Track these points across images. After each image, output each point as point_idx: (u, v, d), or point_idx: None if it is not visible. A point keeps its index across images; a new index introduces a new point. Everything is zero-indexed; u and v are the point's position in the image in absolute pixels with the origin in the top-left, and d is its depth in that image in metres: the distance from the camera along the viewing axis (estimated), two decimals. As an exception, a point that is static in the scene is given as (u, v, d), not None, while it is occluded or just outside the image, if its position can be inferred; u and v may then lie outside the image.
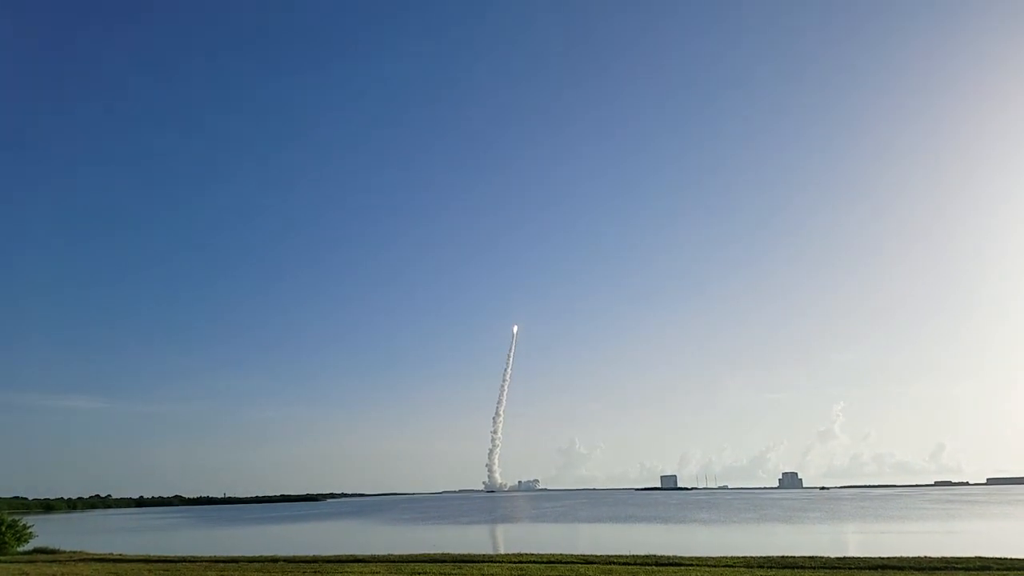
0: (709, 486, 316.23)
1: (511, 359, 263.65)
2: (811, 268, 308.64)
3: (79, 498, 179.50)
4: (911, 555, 22.22)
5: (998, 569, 18.56)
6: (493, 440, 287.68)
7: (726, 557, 22.73)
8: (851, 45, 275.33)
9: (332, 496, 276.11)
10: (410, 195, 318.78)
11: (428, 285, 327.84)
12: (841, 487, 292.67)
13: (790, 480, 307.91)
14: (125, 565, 25.68)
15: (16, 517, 34.42)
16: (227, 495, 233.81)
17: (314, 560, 25.18)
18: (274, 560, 25.64)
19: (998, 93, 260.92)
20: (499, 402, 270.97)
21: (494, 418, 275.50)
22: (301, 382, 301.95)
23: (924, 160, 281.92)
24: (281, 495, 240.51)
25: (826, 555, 22.87)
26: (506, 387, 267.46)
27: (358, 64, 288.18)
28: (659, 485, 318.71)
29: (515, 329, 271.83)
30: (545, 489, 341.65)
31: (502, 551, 28.13)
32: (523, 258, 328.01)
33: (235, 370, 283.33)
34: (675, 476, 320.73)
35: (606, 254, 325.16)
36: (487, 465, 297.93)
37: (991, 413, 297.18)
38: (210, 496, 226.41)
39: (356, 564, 23.51)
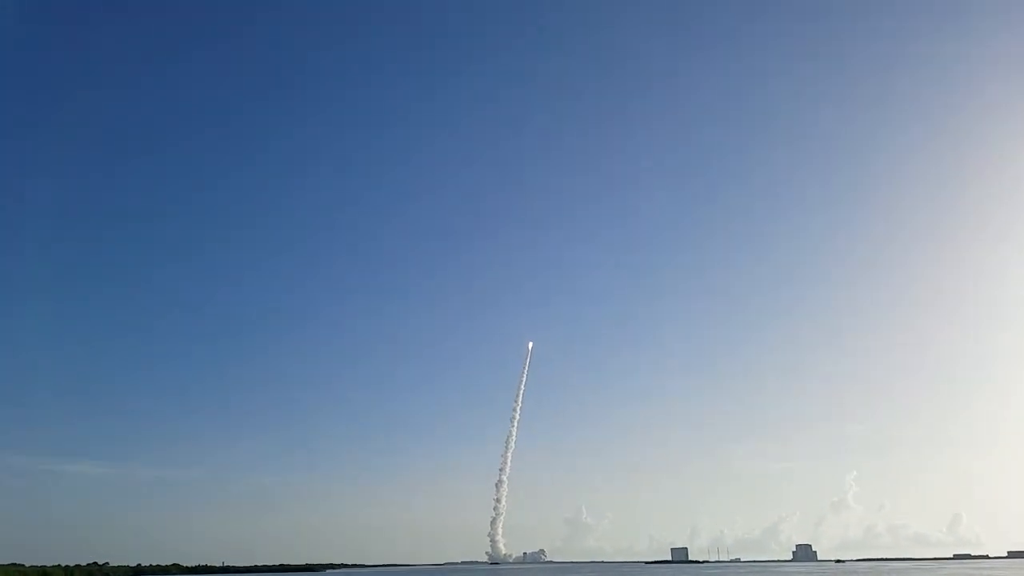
0: (721, 559, 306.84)
1: (524, 377, 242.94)
2: (823, 337, 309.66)
3: (76, 565, 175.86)
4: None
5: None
6: (496, 508, 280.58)
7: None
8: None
9: (332, 567, 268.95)
10: (415, 264, 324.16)
11: (429, 353, 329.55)
12: (857, 560, 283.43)
13: (804, 552, 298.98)
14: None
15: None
16: (226, 564, 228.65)
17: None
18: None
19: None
20: (506, 449, 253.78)
21: (497, 484, 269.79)
22: (302, 448, 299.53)
23: (938, 231, 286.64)
24: (280, 564, 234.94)
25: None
26: (517, 415, 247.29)
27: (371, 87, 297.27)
28: (669, 558, 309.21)
29: (530, 346, 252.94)
30: (551, 561, 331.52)
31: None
32: (527, 336, 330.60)
33: (236, 435, 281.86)
34: (686, 548, 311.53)
35: (618, 319, 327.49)
36: (490, 535, 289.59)
37: (1010, 484, 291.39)
38: (209, 565, 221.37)
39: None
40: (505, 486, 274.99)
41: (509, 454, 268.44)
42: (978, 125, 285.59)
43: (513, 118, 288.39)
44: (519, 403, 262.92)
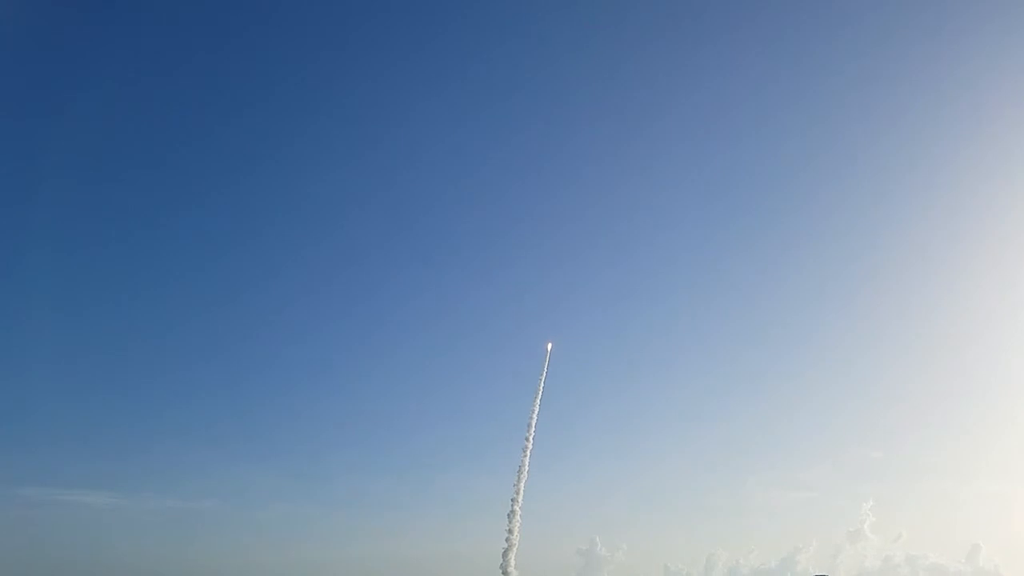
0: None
1: (543, 381, 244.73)
2: (838, 364, 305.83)
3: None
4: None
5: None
6: (508, 539, 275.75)
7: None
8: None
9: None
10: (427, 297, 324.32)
11: (438, 384, 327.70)
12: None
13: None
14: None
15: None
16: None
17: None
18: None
19: None
20: (518, 479, 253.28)
21: (509, 515, 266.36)
22: (315, 481, 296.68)
23: (958, 263, 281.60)
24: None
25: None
26: (530, 444, 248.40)
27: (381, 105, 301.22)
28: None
29: (549, 347, 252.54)
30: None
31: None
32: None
33: (249, 467, 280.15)
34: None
35: (629, 351, 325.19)
36: (501, 566, 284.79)
37: None
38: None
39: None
40: (518, 517, 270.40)
41: (522, 484, 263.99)
42: None
43: (530, 114, 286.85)
44: (531, 432, 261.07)
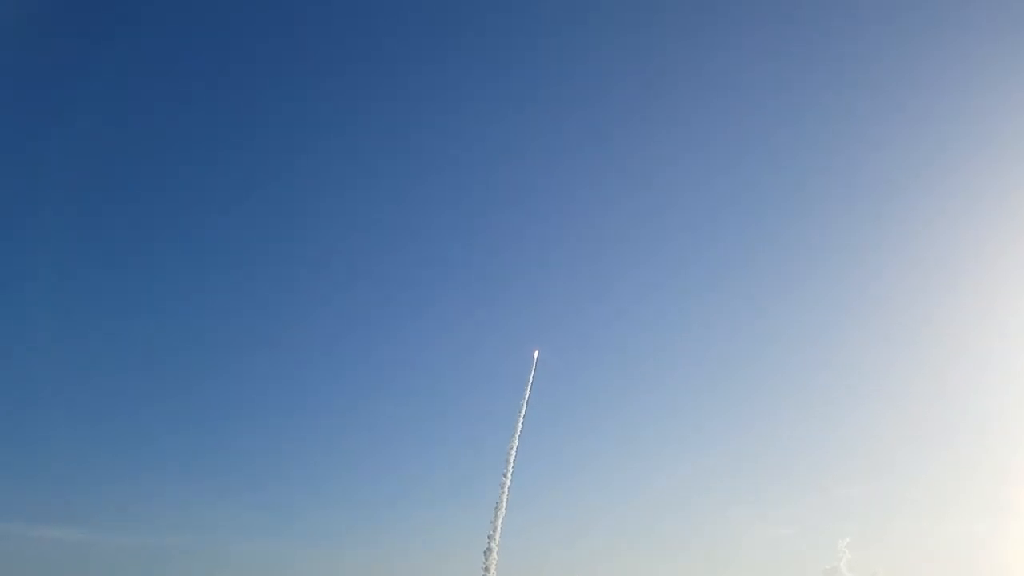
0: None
1: (528, 392, 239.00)
2: (824, 397, 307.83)
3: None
4: None
5: None
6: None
7: None
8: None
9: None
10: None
11: (416, 419, 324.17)
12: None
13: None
14: None
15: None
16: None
17: None
18: None
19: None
20: (496, 515, 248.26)
21: (486, 552, 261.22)
22: (291, 517, 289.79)
23: (943, 297, 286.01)
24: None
25: None
26: (508, 479, 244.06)
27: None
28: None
29: (536, 354, 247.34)
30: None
31: None
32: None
33: (223, 501, 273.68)
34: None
35: (612, 378, 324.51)
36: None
37: (1012, 549, 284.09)
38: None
39: None
40: (495, 555, 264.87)
41: (499, 521, 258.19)
42: None
43: (522, 118, 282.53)
44: (510, 468, 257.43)
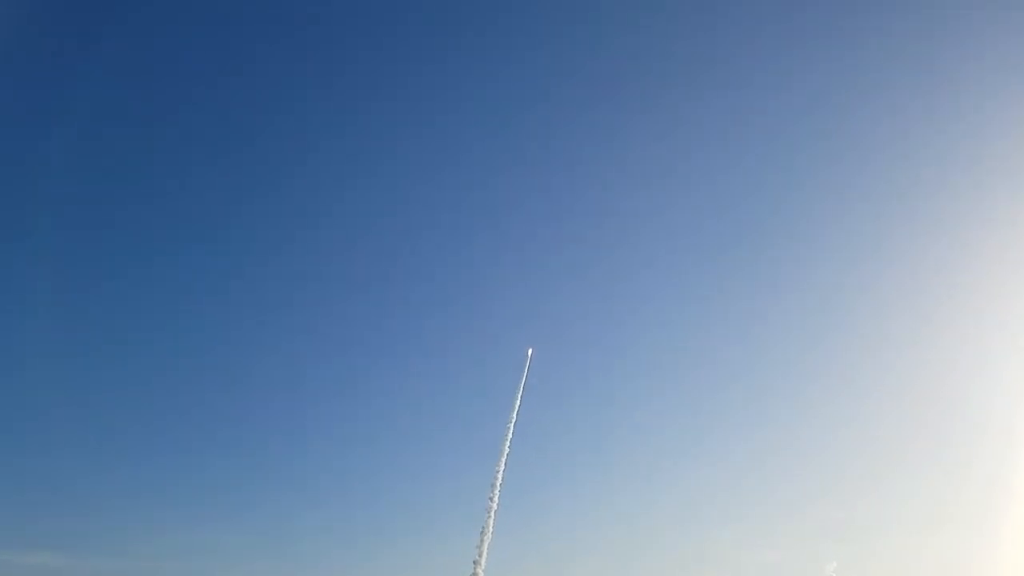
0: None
1: (522, 388, 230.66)
2: (811, 415, 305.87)
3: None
4: None
5: None
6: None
7: None
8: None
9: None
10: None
11: (408, 445, 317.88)
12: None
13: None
14: None
15: None
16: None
17: None
18: None
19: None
20: (481, 540, 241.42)
21: (474, 561, 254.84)
22: (281, 543, 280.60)
23: (928, 313, 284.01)
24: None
25: None
26: (495, 504, 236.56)
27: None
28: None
29: (530, 352, 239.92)
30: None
31: None
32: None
33: (210, 527, 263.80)
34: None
35: (601, 397, 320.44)
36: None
37: (1007, 568, 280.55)
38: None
39: None
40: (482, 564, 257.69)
41: (485, 546, 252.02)
42: None
43: (519, 114, 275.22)
44: (497, 489, 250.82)
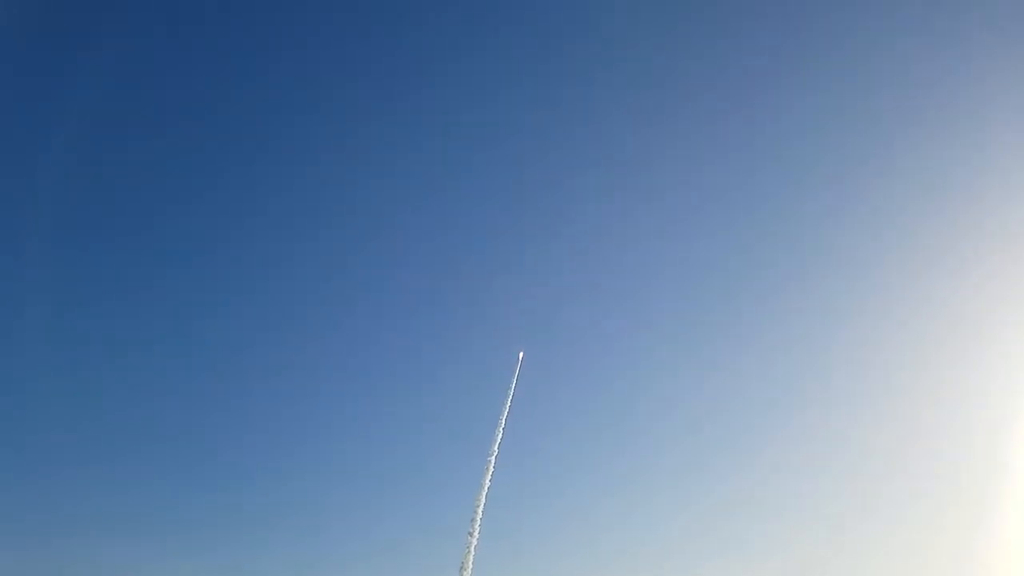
0: None
1: (512, 392, 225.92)
2: (804, 425, 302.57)
3: None
4: None
5: None
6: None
7: None
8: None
9: None
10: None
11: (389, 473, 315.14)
12: None
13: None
14: None
15: None
16: None
17: None
18: None
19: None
20: (466, 555, 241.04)
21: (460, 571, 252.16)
22: (259, 546, 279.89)
23: (928, 319, 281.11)
24: None
25: None
26: (478, 524, 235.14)
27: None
28: None
29: (521, 355, 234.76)
30: None
31: None
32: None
33: (180, 563, 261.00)
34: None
35: (588, 423, 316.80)
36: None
37: (1007, 568, 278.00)
38: None
39: None
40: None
41: (470, 559, 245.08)
42: None
43: (513, 115, 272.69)
44: (477, 524, 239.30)
